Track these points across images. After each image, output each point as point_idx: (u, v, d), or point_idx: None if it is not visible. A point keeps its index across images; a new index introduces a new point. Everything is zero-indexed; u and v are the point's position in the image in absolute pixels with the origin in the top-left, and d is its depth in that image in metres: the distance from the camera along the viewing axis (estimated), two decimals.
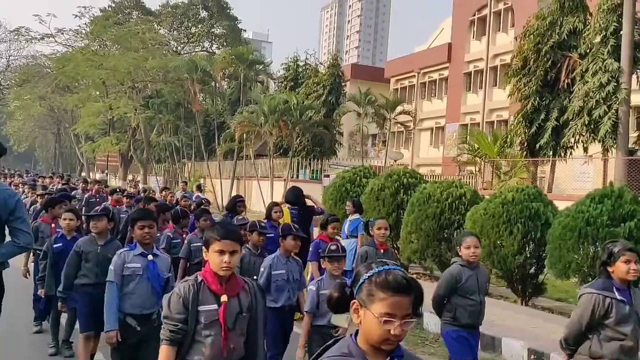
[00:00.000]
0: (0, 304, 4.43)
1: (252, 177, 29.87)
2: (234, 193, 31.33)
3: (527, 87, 16.26)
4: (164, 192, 14.26)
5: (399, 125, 30.97)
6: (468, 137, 21.93)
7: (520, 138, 16.42)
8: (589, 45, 15.46)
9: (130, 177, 40.18)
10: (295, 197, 8.71)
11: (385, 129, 28.11)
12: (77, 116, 46.23)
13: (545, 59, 15.96)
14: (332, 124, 28.19)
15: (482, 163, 18.15)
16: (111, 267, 4.52)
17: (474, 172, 20.17)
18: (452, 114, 35.38)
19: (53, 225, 7.38)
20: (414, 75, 39.24)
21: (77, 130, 42.98)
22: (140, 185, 33.41)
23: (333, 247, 5.05)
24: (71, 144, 59.12)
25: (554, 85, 16.30)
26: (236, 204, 9.02)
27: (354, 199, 10.25)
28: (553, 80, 16.26)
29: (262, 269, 5.37)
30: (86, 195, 13.95)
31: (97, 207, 10.39)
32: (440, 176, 25.68)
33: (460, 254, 5.09)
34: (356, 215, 9.08)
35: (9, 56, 58.10)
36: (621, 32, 14.36)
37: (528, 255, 9.66)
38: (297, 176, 28.45)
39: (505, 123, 30.82)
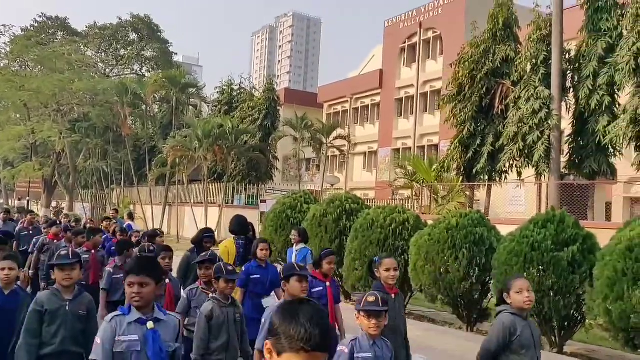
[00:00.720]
0: None
1: (185, 203, 29.02)
2: (165, 219, 30.35)
3: (462, 113, 16.62)
4: (104, 223, 12.72)
5: (333, 149, 31.08)
6: (404, 161, 22.15)
7: (457, 163, 16.70)
8: (521, 73, 16.00)
9: (54, 203, 38.18)
10: (240, 226, 8.02)
11: (322, 153, 28.08)
12: None
13: (480, 85, 16.40)
14: (268, 148, 27.88)
15: (420, 188, 18.31)
16: (97, 339, 3.32)
17: (411, 196, 20.35)
18: (385, 138, 35.93)
19: None
20: (347, 101, 39.67)
21: None
22: (65, 212, 31.80)
23: (371, 299, 3.87)
24: None
25: (488, 111, 16.74)
26: (203, 239, 7.63)
27: (299, 227, 9.89)
28: (487, 106, 16.71)
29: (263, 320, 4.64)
30: (17, 228, 12.11)
31: (38, 242, 9.71)
32: (373, 200, 25.83)
33: (508, 301, 4.21)
34: (302, 245, 8.77)
35: None
36: (550, 61, 14.96)
37: (474, 281, 9.64)
38: (232, 202, 27.88)
39: (435, 148, 31.56)
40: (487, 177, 16.35)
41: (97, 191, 39.01)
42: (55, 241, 9.51)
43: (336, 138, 28.08)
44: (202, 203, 26.90)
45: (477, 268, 9.66)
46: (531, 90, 15.09)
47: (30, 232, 11.48)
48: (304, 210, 13.85)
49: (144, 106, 33.39)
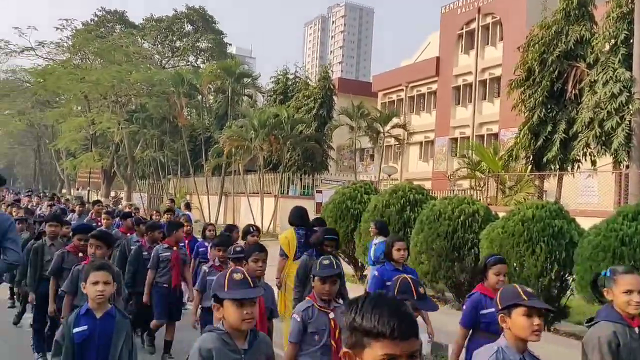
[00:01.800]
0: None
1: (240, 193, 28.99)
2: (222, 209, 30.44)
3: (532, 99, 15.65)
4: (166, 215, 11.66)
5: (389, 139, 30.41)
6: (467, 150, 21.26)
7: (525, 151, 15.77)
8: (598, 55, 14.91)
9: (112, 193, 39.00)
10: (300, 218, 7.79)
11: (379, 143, 27.44)
12: (57, 132, 45.04)
13: (551, 69, 15.37)
14: (323, 138, 27.45)
15: (486, 178, 17.44)
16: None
17: (474, 186, 19.49)
18: (442, 127, 35.16)
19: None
20: (402, 89, 39.00)
21: (57, 146, 41.79)
22: (128, 202, 32.35)
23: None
24: (51, 160, 57.79)
25: (560, 96, 15.71)
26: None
27: (377, 220, 9.35)
28: (559, 91, 15.67)
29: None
30: (85, 220, 11.35)
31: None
32: (430, 191, 24.98)
33: (608, 297, 3.36)
34: (381, 238, 8.21)
35: None
36: (632, 40, 13.83)
37: (553, 277, 8.92)
38: (287, 192, 27.64)
39: (495, 136, 30.54)
40: (558, 166, 15.38)
41: (154, 181, 39.60)
42: (128, 235, 8.94)
43: (393, 127, 27.39)
44: (258, 193, 26.78)
45: (555, 263, 8.93)
46: (609, 73, 14.02)
47: (99, 224, 10.76)
48: (364, 201, 13.35)
49: (200, 96, 33.53)
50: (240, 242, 7.40)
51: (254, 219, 25.69)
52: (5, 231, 4.82)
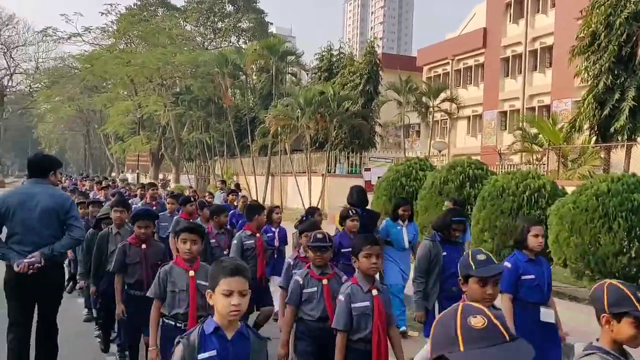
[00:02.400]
0: (62, 293, 5.56)
1: (287, 173, 28.81)
2: (268, 190, 30.36)
3: (597, 65, 14.68)
4: (230, 196, 11.58)
5: (437, 114, 29.68)
6: (523, 123, 20.36)
7: (589, 121, 14.86)
8: None
9: (161, 176, 39.49)
10: (360, 198, 7.65)
11: (428, 117, 26.69)
12: (105, 116, 45.84)
13: (619, 32, 14.34)
14: (370, 114, 26.86)
15: (546, 150, 16.60)
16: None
17: (530, 160, 18.64)
18: (490, 100, 34.31)
19: None
20: (448, 63, 38.21)
21: (106, 130, 42.52)
22: (172, 184, 32.67)
23: (482, 257, 3.53)
24: (101, 144, 59.02)
25: (629, 61, 14.66)
26: (451, 224, 5.56)
27: (454, 198, 8.88)
28: (628, 55, 14.62)
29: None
30: (139, 204, 10.93)
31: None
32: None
33: None
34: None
35: (38, 58, 58.27)
36: None
37: (633, 255, 8.32)
38: (334, 171, 27.30)
39: (547, 108, 29.50)
40: (626, 137, 14.45)
41: (201, 163, 39.86)
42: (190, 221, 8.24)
43: (443, 101, 26.57)
44: (305, 173, 26.54)
45: (636, 240, 8.33)
46: None
47: (155, 208, 10.14)
48: (420, 177, 12.89)
49: (244, 77, 33.33)
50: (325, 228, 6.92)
51: (301, 198, 25.48)
52: (68, 210, 5.20)
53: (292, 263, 5.36)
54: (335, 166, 27.40)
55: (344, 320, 3.84)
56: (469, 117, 36.47)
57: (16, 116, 72.69)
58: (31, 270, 4.86)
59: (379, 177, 22.29)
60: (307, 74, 36.27)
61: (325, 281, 4.39)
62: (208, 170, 38.37)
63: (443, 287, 5.28)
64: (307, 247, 4.60)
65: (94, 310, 7.39)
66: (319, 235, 4.49)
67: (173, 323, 4.22)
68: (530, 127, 19.02)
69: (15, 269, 4.86)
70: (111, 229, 6.30)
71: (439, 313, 5.25)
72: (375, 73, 26.85)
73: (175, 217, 8.69)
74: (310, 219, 6.90)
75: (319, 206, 24.71)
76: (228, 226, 7.90)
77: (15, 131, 78.58)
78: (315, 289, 4.35)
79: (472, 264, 3.33)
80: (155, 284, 4.31)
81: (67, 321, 6.89)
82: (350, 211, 6.65)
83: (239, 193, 12.77)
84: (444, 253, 5.30)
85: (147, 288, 5.02)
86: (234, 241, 6.51)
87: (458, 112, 29.79)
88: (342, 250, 6.21)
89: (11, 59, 64.54)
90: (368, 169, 22.81)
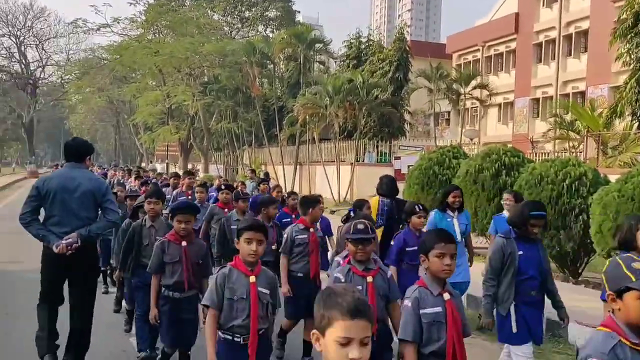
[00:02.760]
0: (96, 273, 5.69)
1: (315, 162, 28.64)
2: (297, 179, 30.26)
3: None
4: (262, 185, 11.05)
5: (467, 102, 29.17)
6: (559, 109, 19.77)
7: (632, 107, 14.26)
8: None
9: (189, 166, 39.71)
10: (390, 188, 7.58)
11: (460, 105, 26.20)
12: (135, 107, 46.27)
13: None
14: (400, 102, 26.45)
15: (585, 137, 16.07)
16: None
17: (567, 148, 18.10)
18: (522, 87, 33.63)
19: None
20: (478, 49, 37.53)
21: (135, 120, 42.90)
22: (201, 174, 32.82)
23: (360, 226, 4.01)
24: (130, 135, 59.66)
25: None
26: (530, 219, 4.80)
27: (512, 191, 8.14)
28: None
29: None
30: (174, 193, 10.55)
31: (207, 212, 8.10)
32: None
33: None
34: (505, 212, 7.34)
35: (69, 50, 59.12)
36: None
37: None
38: (363, 160, 27.04)
39: (582, 95, 28.77)
40: None
41: (229, 152, 39.94)
42: (226, 211, 7.73)
43: (474, 88, 26.03)
44: (333, 162, 26.35)
45: None
46: None
47: (189, 197, 9.98)
48: (453, 166, 12.55)
49: (271, 65, 33.19)
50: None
51: (330, 188, 25.30)
52: (104, 193, 5.36)
53: (341, 263, 4.48)
54: (364, 155, 27.15)
55: (413, 329, 3.24)
56: (499, 105, 35.83)
57: (49, 107, 74.05)
58: (70, 251, 5.03)
59: (409, 166, 22.04)
60: (335, 62, 35.97)
61: (370, 278, 3.92)
62: (236, 159, 38.44)
63: (519, 290, 4.69)
64: (347, 239, 4.03)
65: (124, 303, 7.08)
66: (360, 226, 3.97)
67: (230, 337, 3.69)
68: (565, 113, 18.45)
69: (55, 250, 5.01)
70: (145, 220, 5.82)
71: (517, 320, 4.75)
72: (405, 60, 26.44)
73: (211, 206, 8.36)
74: (359, 212, 6.15)
75: (348, 196, 24.60)
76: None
77: (48, 122, 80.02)
78: (360, 287, 3.77)
79: (629, 274, 2.38)
80: (212, 290, 3.72)
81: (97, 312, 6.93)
82: (417, 207, 5.95)
83: (271, 182, 12.61)
84: (520, 252, 4.68)
85: (188, 289, 4.95)
86: (285, 236, 5.98)
87: (490, 99, 29.19)
88: (407, 249, 5.73)
89: (43, 51, 65.82)
90: (398, 158, 22.49)
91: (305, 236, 5.80)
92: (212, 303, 3.69)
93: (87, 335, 5.38)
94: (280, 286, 5.10)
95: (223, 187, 8.87)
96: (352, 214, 6.36)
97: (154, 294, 4.99)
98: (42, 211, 5.31)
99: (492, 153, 11.42)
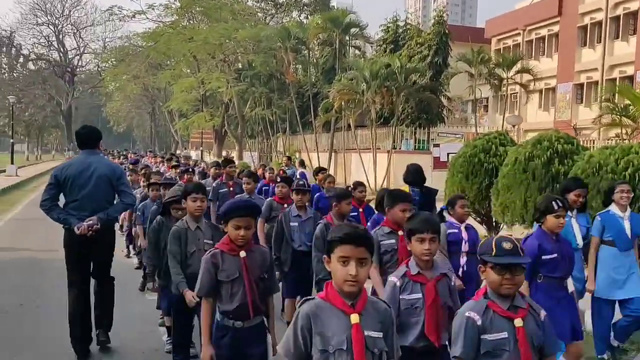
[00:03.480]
0: (113, 252, 5.85)
1: (351, 149, 28.11)
2: (332, 166, 29.84)
3: None
4: (320, 175, 9.60)
5: (506, 89, 28.25)
6: (610, 94, 18.79)
7: None
8: None
9: (224, 153, 39.61)
10: (417, 176, 7.22)
11: (502, 90, 25.28)
12: (170, 94, 46.42)
13: None
14: (439, 87, 25.64)
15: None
16: None
17: (620, 134, 17.18)
18: (565, 72, 32.65)
19: None
20: (519, 33, 36.63)
21: (170, 107, 43.01)
22: (236, 162, 32.57)
23: (508, 246, 2.86)
24: (166, 122, 60.04)
25: None
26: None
27: (577, 179, 6.78)
28: None
29: None
30: (214, 184, 9.33)
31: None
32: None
33: None
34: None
35: (105, 38, 59.77)
36: None
37: None
38: (400, 147, 26.40)
39: (630, 79, 27.65)
40: None
41: (263, 139, 39.70)
42: (285, 206, 6.76)
43: (517, 72, 25.07)
44: (369, 149, 25.79)
45: None
46: None
47: (231, 189, 8.88)
48: (500, 153, 11.87)
49: (306, 51, 32.68)
50: None
51: (366, 175, 24.78)
52: (119, 177, 5.67)
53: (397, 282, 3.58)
54: (400, 142, 26.50)
55: (466, 349, 2.75)
56: (541, 91, 34.92)
57: (86, 95, 75.17)
58: (90, 232, 5.34)
59: (449, 154, 21.32)
60: (372, 47, 35.24)
61: (519, 322, 2.79)
62: (270, 147, 38.18)
63: None
64: (484, 263, 2.86)
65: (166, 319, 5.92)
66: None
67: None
68: (615, 98, 17.51)
69: (77, 231, 5.33)
70: (187, 222, 4.72)
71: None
72: (445, 44, 25.59)
73: (268, 200, 7.28)
74: (456, 210, 5.46)
75: (385, 183, 24.05)
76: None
77: (85, 110, 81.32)
78: (504, 336, 2.76)
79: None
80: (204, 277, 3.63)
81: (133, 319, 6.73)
82: (556, 203, 4.50)
83: (300, 169, 12.07)
84: None
85: (254, 315, 3.69)
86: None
87: (534, 84, 28.22)
88: (544, 257, 4.48)
89: (80, 39, 66.76)
90: (437, 145, 21.76)
91: (393, 241, 4.53)
92: (206, 292, 3.62)
93: (111, 311, 5.81)
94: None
95: (279, 179, 7.60)
96: (445, 212, 5.61)
97: (205, 327, 3.70)
98: (62, 197, 5.60)
99: (544, 140, 10.71)
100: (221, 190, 8.91)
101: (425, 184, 7.46)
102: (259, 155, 39.59)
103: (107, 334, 5.73)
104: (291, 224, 6.17)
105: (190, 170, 10.28)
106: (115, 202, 5.76)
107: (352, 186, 7.59)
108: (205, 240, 4.58)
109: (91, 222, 5.35)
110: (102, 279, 5.77)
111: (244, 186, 8.03)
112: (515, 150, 11.08)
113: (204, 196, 4.76)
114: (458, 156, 12.70)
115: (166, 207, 5.49)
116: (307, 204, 6.47)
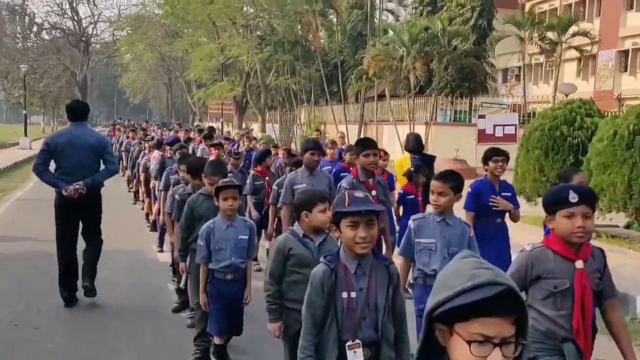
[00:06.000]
0: (100, 213, 6.56)
1: (383, 121, 26.21)
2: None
3: None
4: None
5: (537, 56, 25.99)
6: None
7: None
8: None
9: (244, 125, 37.91)
10: (417, 144, 8.15)
11: (555, 56, 23.13)
12: (187, 64, 44.80)
13: None
14: (483, 53, 23.51)
15: None
16: None
17: None
18: (607, 38, 30.34)
19: None
20: None
21: (188, 76, 41.30)
22: (259, 134, 30.86)
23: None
24: (182, 93, 58.50)
25: None
26: None
27: None
28: None
29: None
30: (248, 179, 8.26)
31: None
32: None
33: None
34: None
35: (120, 5, 58.04)
36: None
37: None
38: (436, 118, 24.43)
39: None
40: None
41: (285, 111, 37.81)
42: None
43: (573, 35, 22.88)
44: (402, 120, 23.89)
45: None
46: None
47: (267, 179, 8.11)
48: (587, 126, 10.08)
49: (333, 15, 30.55)
50: None
51: (401, 148, 22.98)
52: (104, 146, 6.43)
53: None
54: (436, 113, 24.52)
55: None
56: (579, 58, 32.42)
57: (102, 66, 73.81)
58: (77, 194, 5.99)
59: (495, 125, 19.39)
60: (405, 10, 33.06)
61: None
62: (293, 118, 36.30)
63: None
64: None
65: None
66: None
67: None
68: None
69: (64, 193, 6.00)
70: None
71: None
72: (489, 4, 23.30)
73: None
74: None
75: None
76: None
77: (101, 81, 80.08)
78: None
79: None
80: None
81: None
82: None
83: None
84: None
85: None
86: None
87: (592, 48, 26.06)
88: None
89: (94, 7, 65.01)
90: (482, 116, 19.76)
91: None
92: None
93: (95, 264, 6.39)
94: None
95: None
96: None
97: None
98: (53, 163, 6.24)
99: None
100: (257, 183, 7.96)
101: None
102: (280, 127, 37.76)
103: (93, 281, 6.26)
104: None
105: (235, 153, 8.18)
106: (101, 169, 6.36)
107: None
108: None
109: (77, 186, 5.99)
110: (90, 237, 6.42)
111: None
112: (612, 122, 9.25)
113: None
114: (533, 129, 10.89)
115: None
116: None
